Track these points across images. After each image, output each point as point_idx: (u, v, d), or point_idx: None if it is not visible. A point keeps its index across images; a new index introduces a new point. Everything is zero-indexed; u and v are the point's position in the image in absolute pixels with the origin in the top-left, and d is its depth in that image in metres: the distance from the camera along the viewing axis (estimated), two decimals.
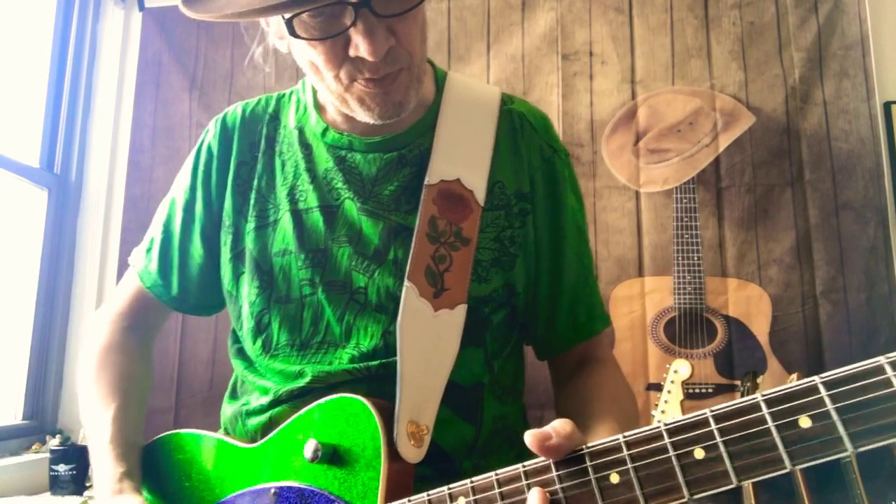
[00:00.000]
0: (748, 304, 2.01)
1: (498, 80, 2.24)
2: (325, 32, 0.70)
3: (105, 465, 0.81)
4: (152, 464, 0.86)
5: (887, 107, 2.06)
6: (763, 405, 0.48)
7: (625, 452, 0.52)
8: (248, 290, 0.84)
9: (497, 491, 0.57)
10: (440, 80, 0.89)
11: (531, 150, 0.86)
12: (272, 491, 0.72)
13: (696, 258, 2.05)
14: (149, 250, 0.94)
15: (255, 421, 0.82)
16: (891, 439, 0.44)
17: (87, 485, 1.94)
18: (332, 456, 0.69)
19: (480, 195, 0.81)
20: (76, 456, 1.92)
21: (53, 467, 1.90)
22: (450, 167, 0.82)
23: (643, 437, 0.52)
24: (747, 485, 1.63)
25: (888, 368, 0.45)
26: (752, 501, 1.60)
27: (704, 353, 2.01)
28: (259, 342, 0.84)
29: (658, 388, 1.85)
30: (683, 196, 2.09)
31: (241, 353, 0.89)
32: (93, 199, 2.44)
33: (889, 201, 2.02)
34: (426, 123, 0.85)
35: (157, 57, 2.48)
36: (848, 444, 0.45)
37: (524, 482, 0.56)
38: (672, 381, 1.71)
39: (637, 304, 2.06)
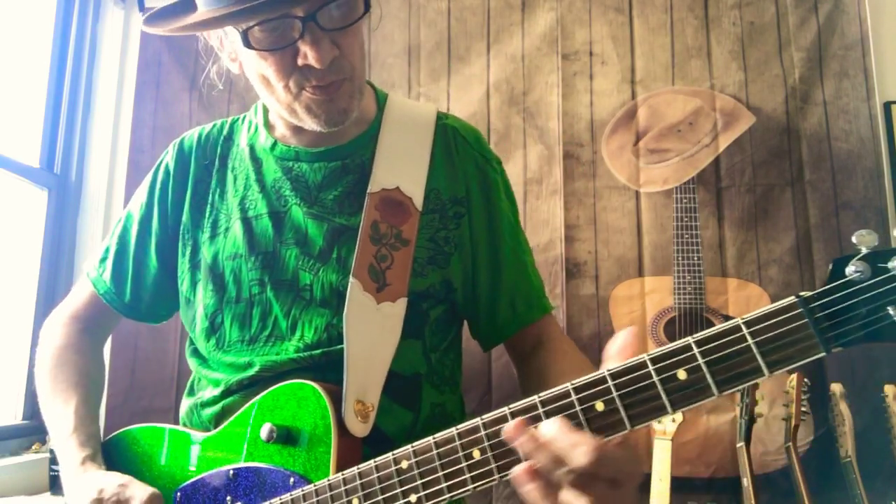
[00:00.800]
0: (748, 304, 2.01)
1: (498, 80, 2.24)
2: (275, 44, 0.78)
3: (69, 452, 0.87)
4: (111, 460, 0.90)
5: (887, 107, 2.06)
6: (649, 363, 0.57)
7: (573, 397, 0.59)
8: (203, 294, 0.92)
9: (435, 452, 0.64)
10: (381, 99, 0.99)
11: (465, 161, 0.95)
12: (230, 472, 0.78)
13: (696, 258, 2.05)
14: (103, 260, 1.02)
15: (208, 411, 0.88)
16: (748, 383, 0.54)
17: None
18: (286, 436, 0.75)
19: (418, 201, 0.90)
20: None
21: (53, 467, 1.90)
22: (390, 176, 0.90)
23: (555, 394, 0.60)
24: (747, 484, 1.63)
25: (743, 327, 0.54)
26: (752, 501, 1.60)
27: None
28: (212, 340, 0.91)
29: None
30: (683, 196, 2.09)
31: (195, 353, 0.96)
32: (93, 199, 2.44)
33: (889, 201, 2.02)
34: (367, 136, 0.94)
35: (157, 57, 2.48)
36: (714, 390, 0.55)
37: (458, 442, 0.63)
38: None
39: (637, 304, 2.06)
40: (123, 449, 0.90)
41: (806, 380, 1.73)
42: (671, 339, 2.02)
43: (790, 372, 1.68)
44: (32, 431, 2.20)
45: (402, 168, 0.91)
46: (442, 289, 0.91)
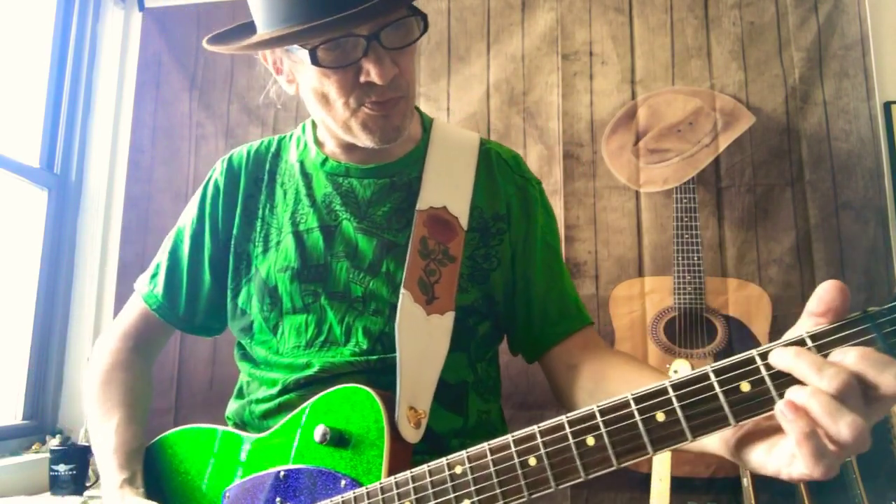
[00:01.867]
0: (748, 304, 2.01)
1: (498, 80, 2.24)
2: (339, 62, 0.81)
3: (109, 473, 0.88)
4: (157, 462, 0.90)
5: (887, 107, 2.06)
6: (712, 374, 0.56)
7: (598, 419, 0.60)
8: (261, 307, 0.94)
9: (490, 458, 0.64)
10: (427, 122, 1.03)
11: (506, 181, 0.99)
12: (281, 473, 0.78)
13: (696, 258, 2.05)
14: (154, 276, 1.04)
15: (262, 407, 0.90)
16: None
17: (87, 485, 1.94)
18: (339, 439, 0.76)
19: (464, 220, 0.94)
20: (76, 456, 1.92)
21: (53, 467, 1.90)
22: (437, 196, 0.94)
23: (613, 405, 0.60)
24: (747, 484, 1.63)
25: (808, 341, 0.54)
26: (753, 502, 1.60)
27: (704, 353, 2.01)
28: (271, 348, 0.94)
29: None
30: (683, 196, 2.09)
31: (246, 356, 0.99)
32: (93, 199, 2.44)
33: (889, 201, 2.02)
34: (415, 156, 0.98)
35: (157, 57, 2.48)
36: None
37: (513, 449, 0.63)
38: None
39: (637, 304, 2.06)
40: (172, 450, 0.91)
41: None
42: (671, 339, 2.03)
43: None
44: (32, 431, 2.20)
45: (449, 188, 0.95)
46: (485, 304, 0.94)
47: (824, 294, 0.54)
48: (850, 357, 0.52)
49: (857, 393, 0.52)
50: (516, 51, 2.25)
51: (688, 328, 2.03)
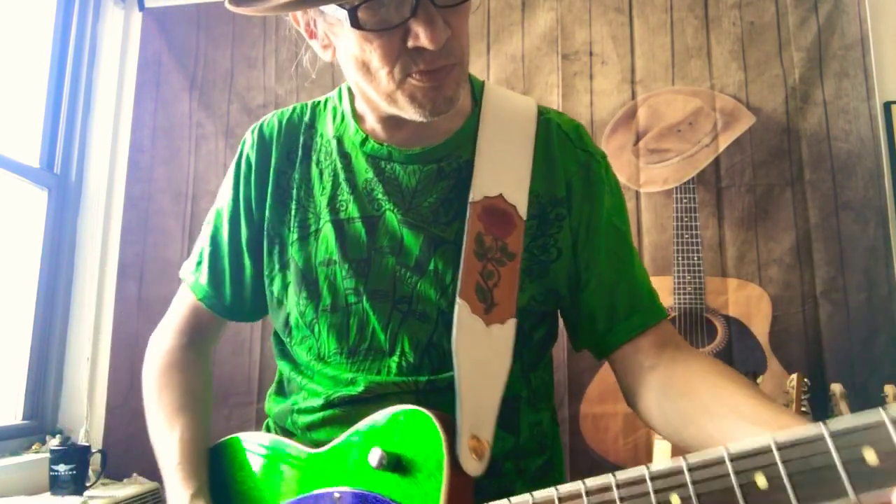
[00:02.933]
0: (748, 304, 2.01)
1: (498, 80, 2.24)
2: (384, 24, 0.69)
3: (175, 487, 0.83)
4: (216, 469, 0.88)
5: (887, 107, 2.06)
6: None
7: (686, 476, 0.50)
8: (297, 300, 0.86)
9: None
10: (477, 89, 0.90)
11: (567, 158, 0.86)
12: (335, 495, 0.74)
13: (696, 258, 2.05)
14: (199, 263, 0.95)
15: (306, 419, 0.84)
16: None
17: (87, 485, 1.94)
18: (396, 464, 0.71)
19: (523, 209, 0.82)
20: (76, 456, 1.92)
21: (53, 467, 1.90)
22: (492, 183, 0.82)
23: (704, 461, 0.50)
24: None
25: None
26: None
27: (704, 352, 2.01)
28: (311, 350, 0.86)
29: None
30: (683, 196, 2.09)
31: (286, 354, 0.91)
32: (93, 199, 2.44)
33: (889, 201, 2.02)
34: (464, 135, 0.86)
35: (157, 57, 2.48)
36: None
37: (585, 498, 0.55)
38: None
39: None
40: (231, 457, 0.88)
41: (806, 379, 1.73)
42: None
43: (801, 377, 1.68)
44: (32, 431, 2.20)
45: (505, 172, 0.84)
46: (545, 302, 0.85)
47: None
48: None
49: None
50: (516, 51, 2.25)
51: (688, 328, 2.03)
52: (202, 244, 0.95)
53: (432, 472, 0.69)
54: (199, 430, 0.90)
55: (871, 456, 0.43)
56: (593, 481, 0.55)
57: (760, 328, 1.99)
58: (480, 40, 2.28)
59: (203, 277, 0.94)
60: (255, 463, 0.85)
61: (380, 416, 0.74)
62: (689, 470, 0.50)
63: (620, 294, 0.85)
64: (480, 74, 2.24)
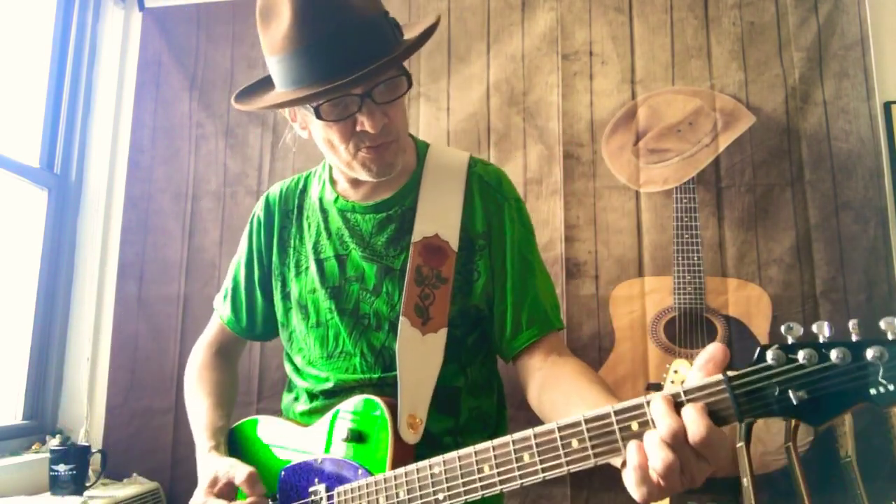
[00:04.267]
0: (748, 304, 2.01)
1: (498, 79, 2.24)
2: (339, 116, 0.99)
3: (201, 443, 1.11)
4: (238, 440, 1.15)
5: (887, 107, 2.06)
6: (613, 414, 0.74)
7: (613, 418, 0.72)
8: (295, 321, 1.17)
9: (458, 464, 0.83)
10: (422, 150, 1.18)
11: (488, 201, 1.13)
12: (318, 460, 1.02)
13: (696, 258, 2.05)
14: (225, 297, 1.29)
15: (300, 409, 1.15)
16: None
17: (87, 485, 1.94)
18: (357, 437, 0.99)
19: (454, 244, 1.09)
20: (76, 456, 1.92)
21: (53, 467, 1.90)
22: (430, 224, 1.10)
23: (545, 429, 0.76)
24: (747, 484, 1.63)
25: (683, 395, 0.68)
26: (752, 502, 1.60)
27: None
28: (305, 356, 1.17)
29: (658, 388, 1.85)
30: (683, 196, 2.09)
31: (290, 360, 1.22)
32: (93, 199, 2.44)
33: (889, 201, 2.02)
34: (408, 188, 1.13)
35: (157, 57, 2.48)
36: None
37: (474, 458, 0.81)
38: (672, 381, 1.71)
39: (637, 304, 2.06)
40: (248, 433, 1.15)
41: None
42: (671, 339, 2.03)
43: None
44: (32, 431, 2.20)
45: (440, 216, 1.10)
46: (472, 313, 1.10)
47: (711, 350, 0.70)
48: (685, 411, 0.66)
49: (681, 439, 0.65)
50: (516, 51, 2.25)
51: (688, 328, 2.03)
52: (227, 284, 1.29)
53: (382, 441, 0.97)
54: (223, 407, 1.19)
55: (634, 425, 0.70)
56: (483, 445, 0.80)
57: (760, 328, 1.99)
58: (480, 40, 2.28)
59: (227, 307, 1.28)
60: (265, 438, 1.13)
61: (346, 404, 1.04)
62: (585, 421, 0.73)
63: (524, 311, 1.09)
64: (481, 74, 2.26)
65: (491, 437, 0.80)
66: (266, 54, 1.01)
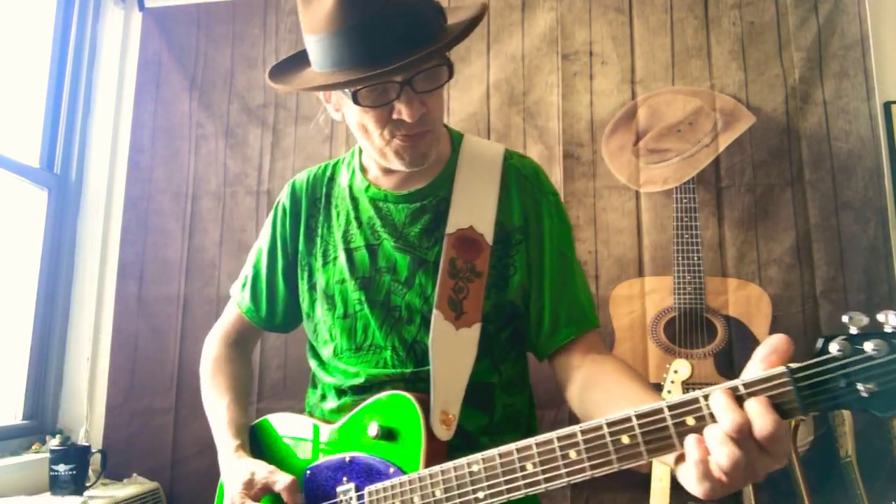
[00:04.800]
0: (748, 304, 2.01)
1: (498, 79, 2.24)
2: (377, 102, 0.96)
3: (225, 441, 1.08)
4: (260, 438, 1.12)
5: (887, 107, 2.06)
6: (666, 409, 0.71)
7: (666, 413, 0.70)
8: (321, 312, 1.12)
9: (498, 461, 0.79)
10: (456, 140, 1.14)
11: (525, 195, 1.10)
12: (347, 458, 0.98)
13: (696, 258, 2.06)
14: (244, 285, 1.24)
15: (328, 406, 1.10)
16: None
17: (87, 485, 1.94)
18: (388, 434, 0.95)
19: (489, 237, 1.05)
20: (76, 456, 1.92)
21: (53, 467, 1.90)
22: (464, 217, 1.06)
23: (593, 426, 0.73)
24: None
25: (741, 388, 0.66)
26: (752, 501, 1.60)
27: (704, 353, 2.01)
28: (331, 348, 1.12)
29: (658, 388, 1.85)
30: (683, 196, 2.09)
31: (315, 355, 1.17)
32: (93, 199, 2.44)
33: (889, 201, 2.02)
34: (443, 177, 1.09)
35: (157, 57, 2.48)
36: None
37: (515, 455, 0.79)
38: (672, 381, 1.71)
39: (637, 304, 2.06)
40: (269, 430, 1.12)
41: None
42: (671, 339, 2.03)
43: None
44: (32, 431, 2.20)
45: (475, 207, 1.07)
46: (507, 309, 1.06)
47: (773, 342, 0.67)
48: (749, 404, 0.64)
49: (745, 433, 0.63)
50: (516, 51, 2.25)
51: (688, 328, 2.03)
52: (246, 272, 1.24)
53: (414, 438, 0.93)
54: (242, 403, 1.17)
55: (690, 420, 0.68)
56: (511, 446, 0.78)
57: (760, 328, 1.99)
58: (480, 40, 2.28)
59: (246, 295, 1.23)
60: (289, 436, 1.09)
61: (375, 398, 1.00)
62: (636, 417, 0.70)
63: (563, 308, 1.06)
64: (480, 74, 2.26)
65: (524, 438, 0.77)
66: (305, 32, 0.97)
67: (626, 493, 1.89)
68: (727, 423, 0.64)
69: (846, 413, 1.81)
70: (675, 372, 1.71)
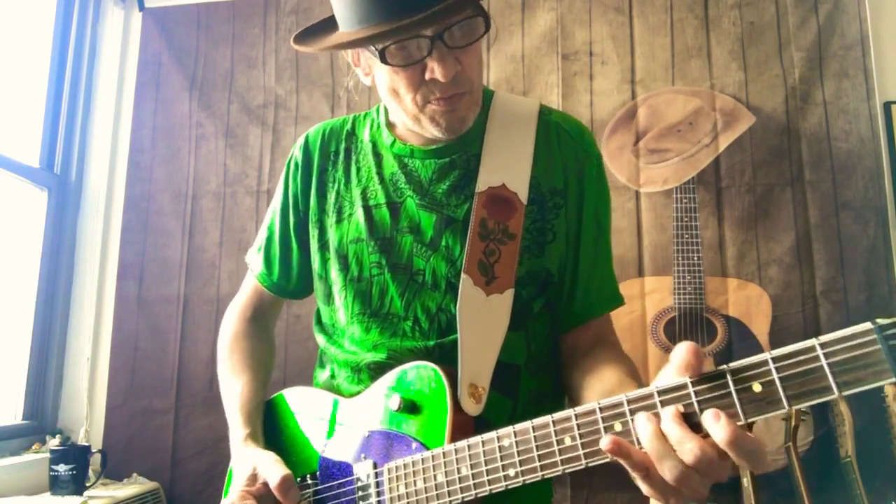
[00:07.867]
0: (748, 304, 2.01)
1: (498, 79, 2.24)
2: (406, 61, 0.88)
3: (235, 428, 1.01)
4: (272, 416, 1.06)
5: (887, 107, 2.06)
6: (728, 374, 0.65)
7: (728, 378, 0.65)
8: (332, 272, 1.04)
9: (532, 434, 0.72)
10: (487, 97, 1.06)
11: (566, 154, 1.01)
12: (366, 433, 0.92)
13: (696, 258, 2.06)
14: (259, 249, 1.16)
15: (341, 381, 1.02)
16: (819, 401, 0.58)
17: (87, 485, 1.94)
18: (411, 407, 0.88)
19: (524, 196, 0.97)
20: (76, 456, 1.92)
21: (53, 467, 1.90)
22: (496, 174, 0.98)
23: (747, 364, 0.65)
24: (747, 484, 1.63)
25: (818, 348, 0.59)
26: (752, 501, 1.60)
27: (704, 353, 2.01)
28: (339, 312, 1.03)
29: None
30: (683, 196, 2.09)
31: (322, 328, 1.09)
32: (93, 199, 2.45)
33: (889, 201, 2.02)
34: (473, 134, 1.00)
35: (157, 57, 2.48)
36: (785, 404, 0.60)
37: (552, 428, 0.71)
38: None
39: (637, 304, 2.06)
40: (283, 406, 1.06)
41: None
42: (671, 339, 2.03)
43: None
44: (32, 431, 2.20)
45: (507, 164, 0.99)
46: (540, 276, 0.98)
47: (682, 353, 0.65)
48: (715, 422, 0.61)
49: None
50: (516, 51, 2.25)
51: (688, 328, 2.03)
52: (261, 235, 1.16)
53: (440, 412, 0.85)
54: (258, 386, 1.08)
55: (756, 387, 0.62)
56: (559, 414, 0.70)
57: (760, 328, 1.99)
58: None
59: (259, 258, 1.15)
60: (307, 411, 1.03)
61: (398, 370, 0.92)
62: (692, 384, 0.65)
63: (594, 281, 1.01)
64: None
65: None
66: None
67: (626, 492, 1.88)
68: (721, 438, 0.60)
69: (846, 413, 1.81)
70: None
